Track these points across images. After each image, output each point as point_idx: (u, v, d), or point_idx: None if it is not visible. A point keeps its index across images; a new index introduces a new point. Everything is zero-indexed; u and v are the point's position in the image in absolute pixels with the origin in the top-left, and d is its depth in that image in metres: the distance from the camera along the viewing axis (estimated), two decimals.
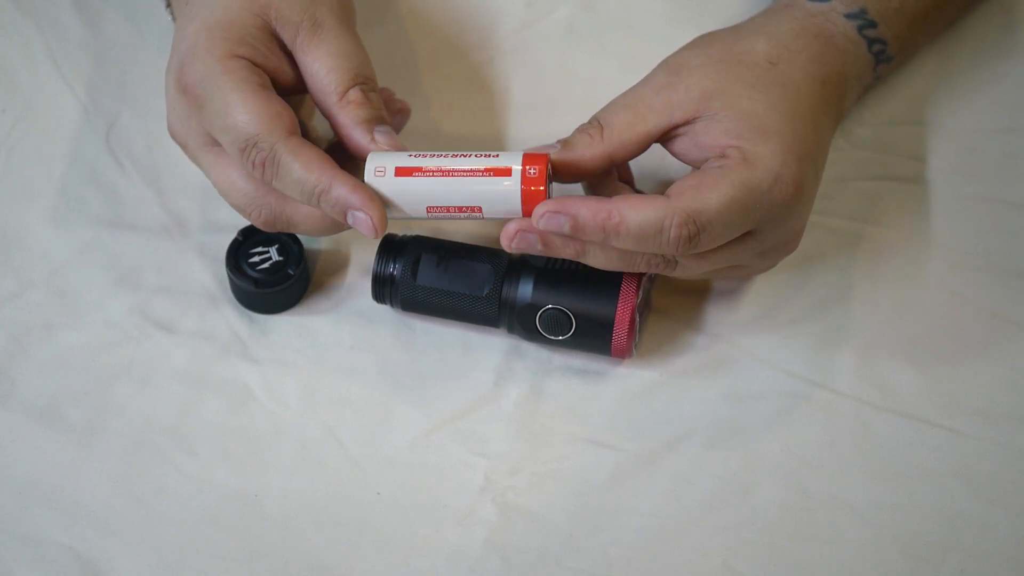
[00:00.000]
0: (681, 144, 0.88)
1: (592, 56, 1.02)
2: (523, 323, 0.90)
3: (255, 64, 0.87)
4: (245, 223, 0.93)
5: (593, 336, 0.89)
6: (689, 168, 0.88)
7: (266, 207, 0.88)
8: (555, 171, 0.87)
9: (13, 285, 0.95)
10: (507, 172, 0.85)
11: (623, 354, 0.90)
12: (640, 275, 0.89)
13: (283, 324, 0.94)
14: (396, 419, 0.91)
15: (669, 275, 0.88)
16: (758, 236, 0.87)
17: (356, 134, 0.87)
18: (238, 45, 0.87)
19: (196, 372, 0.92)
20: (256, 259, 0.93)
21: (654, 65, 0.89)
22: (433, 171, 0.85)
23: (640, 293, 0.89)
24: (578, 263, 0.88)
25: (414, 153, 0.86)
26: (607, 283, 0.89)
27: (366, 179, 0.86)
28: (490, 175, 0.85)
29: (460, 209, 0.85)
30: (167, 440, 0.90)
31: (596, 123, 0.87)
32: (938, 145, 0.99)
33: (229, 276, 0.93)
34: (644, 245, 0.84)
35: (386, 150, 0.87)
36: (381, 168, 0.85)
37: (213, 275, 0.95)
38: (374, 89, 0.89)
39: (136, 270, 0.95)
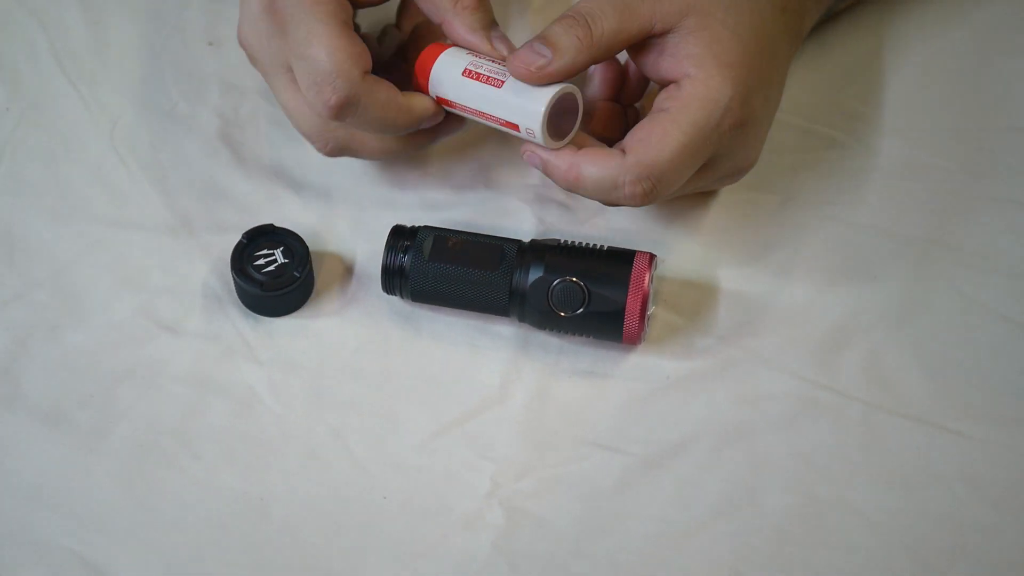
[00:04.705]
0: (647, 57, 0.88)
1: None
2: (535, 299, 0.89)
3: None
4: (249, 225, 0.93)
5: (605, 312, 0.89)
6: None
7: (332, 139, 0.91)
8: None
9: (17, 285, 0.94)
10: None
11: (635, 334, 0.89)
12: (651, 255, 0.89)
13: (288, 326, 0.93)
14: (402, 422, 0.91)
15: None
16: (714, 166, 0.89)
17: (475, 40, 0.89)
18: None
19: (201, 374, 0.92)
20: (261, 262, 0.92)
21: None
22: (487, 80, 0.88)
23: (652, 269, 0.89)
24: (588, 248, 0.90)
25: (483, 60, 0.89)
26: (619, 261, 0.89)
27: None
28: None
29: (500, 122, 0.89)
30: (172, 443, 0.90)
31: (584, 23, 0.87)
32: (947, 144, 0.98)
33: (234, 279, 0.92)
34: (605, 198, 0.87)
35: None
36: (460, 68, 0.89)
37: (218, 276, 0.94)
38: None
39: (141, 270, 0.95)
